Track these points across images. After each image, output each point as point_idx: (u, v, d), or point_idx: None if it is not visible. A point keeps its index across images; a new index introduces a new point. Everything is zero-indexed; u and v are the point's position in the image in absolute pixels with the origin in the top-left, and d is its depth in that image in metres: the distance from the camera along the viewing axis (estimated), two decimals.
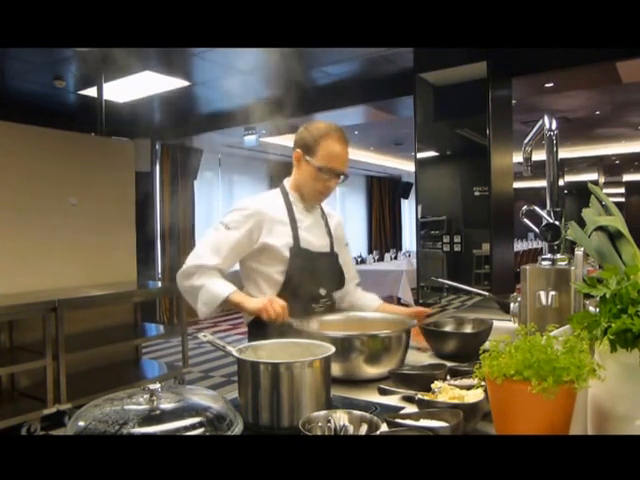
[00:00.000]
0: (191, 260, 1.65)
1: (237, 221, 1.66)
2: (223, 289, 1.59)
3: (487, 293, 2.22)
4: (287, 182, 1.83)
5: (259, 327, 1.59)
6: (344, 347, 1.28)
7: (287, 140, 8.17)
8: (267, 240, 1.67)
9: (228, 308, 1.65)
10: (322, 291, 1.72)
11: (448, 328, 1.62)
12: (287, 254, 1.67)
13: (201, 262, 1.64)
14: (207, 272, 1.63)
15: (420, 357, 1.55)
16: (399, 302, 6.94)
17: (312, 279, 1.68)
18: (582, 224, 1.00)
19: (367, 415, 0.92)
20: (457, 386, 1.09)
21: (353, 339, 1.32)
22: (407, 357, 1.44)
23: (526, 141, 1.41)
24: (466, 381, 1.13)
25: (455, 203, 4.60)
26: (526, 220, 1.37)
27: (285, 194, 1.79)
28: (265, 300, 1.52)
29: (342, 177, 1.75)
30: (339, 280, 1.83)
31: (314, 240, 1.75)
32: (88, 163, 4.25)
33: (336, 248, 1.84)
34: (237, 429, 0.89)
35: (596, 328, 0.77)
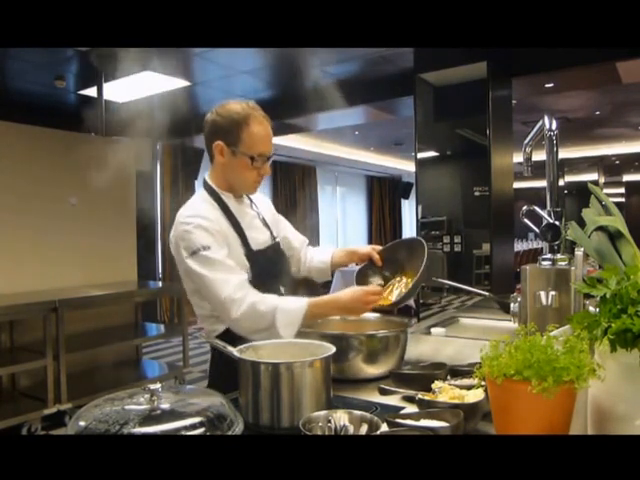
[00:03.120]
0: (224, 294, 1.39)
1: (206, 238, 1.44)
2: (298, 303, 1.39)
3: (487, 293, 2.22)
4: (210, 180, 1.60)
5: (230, 339, 1.36)
6: (342, 347, 1.28)
7: (287, 140, 8.18)
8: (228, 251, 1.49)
9: (313, 318, 1.43)
10: (282, 288, 1.59)
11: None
12: (247, 262, 1.51)
13: (234, 282, 1.41)
14: (250, 288, 1.43)
15: (420, 357, 1.55)
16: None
17: (272, 278, 1.56)
18: (582, 224, 1.00)
19: (367, 415, 0.92)
20: (457, 386, 1.09)
21: (351, 339, 1.32)
22: (407, 357, 1.45)
23: (526, 141, 1.41)
24: (466, 381, 1.14)
25: (455, 203, 4.59)
26: (526, 220, 1.37)
27: (215, 196, 1.56)
28: (361, 292, 1.41)
29: (271, 159, 1.58)
30: (290, 269, 1.72)
31: (258, 236, 1.59)
32: (88, 163, 4.25)
33: (275, 233, 1.67)
34: (237, 429, 0.89)
35: (596, 328, 0.77)
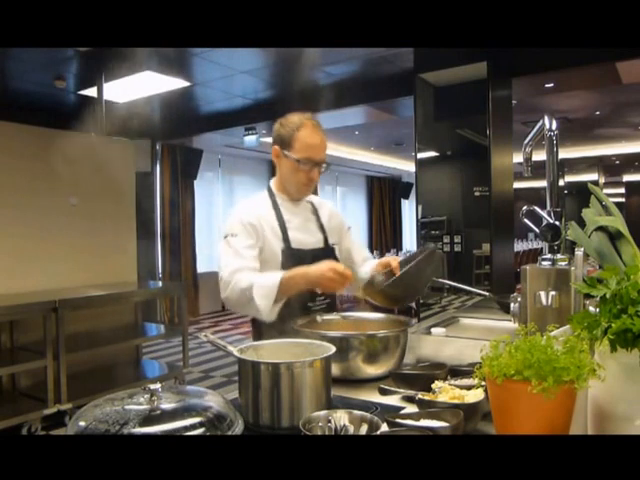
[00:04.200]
0: (223, 277, 1.62)
1: (238, 227, 1.67)
2: (273, 276, 1.56)
3: (487, 293, 2.22)
4: (272, 183, 1.83)
5: (260, 323, 1.62)
6: (342, 347, 1.28)
7: None
8: (261, 244, 1.68)
9: (289, 292, 1.57)
10: (318, 289, 1.68)
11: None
12: (280, 257, 1.67)
13: (234, 267, 1.61)
14: (245, 271, 1.60)
15: (420, 357, 1.55)
16: None
17: None
18: (582, 224, 1.00)
19: (367, 415, 0.92)
20: (457, 386, 1.09)
21: (351, 339, 1.33)
22: (407, 357, 1.45)
23: (526, 141, 1.41)
24: (466, 381, 1.14)
25: (455, 203, 4.60)
26: (526, 220, 1.37)
27: (272, 196, 1.79)
28: (324, 267, 1.50)
29: (323, 166, 1.74)
30: None
31: (305, 238, 1.74)
32: (88, 163, 4.25)
33: (332, 240, 1.82)
34: (237, 429, 0.89)
35: (596, 328, 0.77)
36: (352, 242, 1.94)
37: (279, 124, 1.74)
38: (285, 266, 1.65)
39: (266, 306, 1.53)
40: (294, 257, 1.67)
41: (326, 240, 1.81)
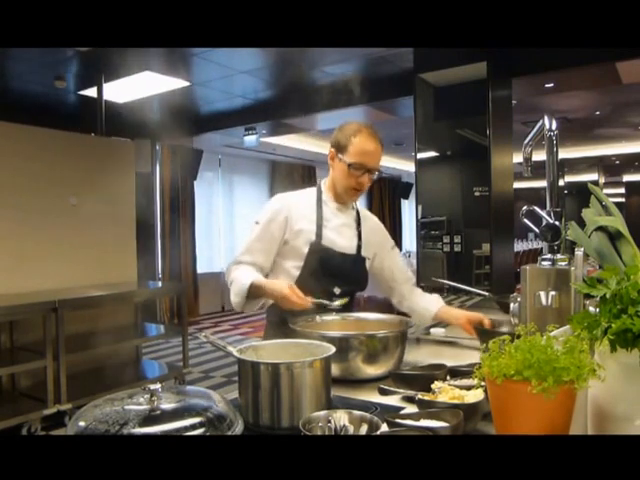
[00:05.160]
0: (229, 264, 1.77)
1: (264, 216, 1.75)
2: (248, 277, 1.65)
3: (487, 293, 2.22)
4: (323, 182, 1.88)
5: (276, 313, 1.70)
6: (342, 347, 1.28)
7: (287, 140, 8.18)
8: (290, 235, 1.74)
9: (258, 296, 1.68)
10: (337, 290, 1.71)
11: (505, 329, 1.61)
12: (305, 250, 1.72)
13: (238, 258, 1.75)
14: (240, 267, 1.71)
15: (419, 358, 1.55)
16: None
17: (328, 277, 1.69)
18: (582, 224, 1.00)
19: (367, 415, 0.92)
20: (457, 386, 1.09)
21: (351, 339, 1.33)
22: (406, 357, 1.45)
23: (526, 141, 1.41)
24: (466, 381, 1.14)
25: (455, 203, 4.59)
26: (526, 220, 1.37)
27: (319, 192, 1.84)
28: (284, 285, 1.55)
29: (375, 173, 1.78)
30: (360, 282, 1.83)
31: (340, 240, 1.77)
32: (88, 163, 4.25)
33: (366, 253, 1.84)
34: (237, 429, 0.89)
35: (596, 328, 0.77)
36: (393, 262, 1.95)
37: (338, 128, 1.80)
38: (309, 259, 1.71)
39: (237, 303, 1.67)
40: (319, 253, 1.72)
41: (359, 249, 1.82)
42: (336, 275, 1.72)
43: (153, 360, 5.13)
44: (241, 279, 1.66)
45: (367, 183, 1.78)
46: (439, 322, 1.90)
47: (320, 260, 1.71)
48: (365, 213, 1.95)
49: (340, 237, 1.78)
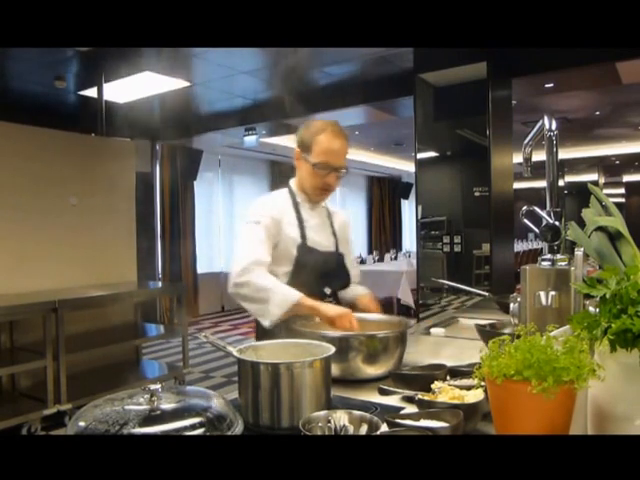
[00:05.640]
0: (241, 261, 1.61)
1: (261, 214, 1.70)
2: (294, 291, 1.56)
3: (487, 293, 2.22)
4: (292, 182, 1.85)
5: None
6: (342, 347, 1.28)
7: (287, 140, 8.18)
8: (278, 239, 1.70)
9: (296, 312, 1.56)
10: (327, 290, 1.71)
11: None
12: (295, 252, 1.69)
13: (254, 257, 1.62)
14: (263, 267, 1.62)
15: (419, 358, 1.55)
16: (399, 303, 6.94)
17: (318, 277, 1.68)
18: (582, 224, 1.00)
19: (367, 415, 0.92)
20: (457, 386, 1.09)
21: (351, 339, 1.33)
22: (406, 357, 1.45)
23: (526, 141, 1.41)
24: (466, 381, 1.13)
25: (455, 203, 4.59)
26: (526, 220, 1.37)
27: (292, 194, 1.81)
28: (341, 311, 1.50)
29: (342, 172, 1.75)
30: (344, 279, 1.83)
31: (320, 239, 1.76)
32: (88, 163, 4.26)
33: (341, 248, 1.84)
34: (237, 429, 0.89)
35: (596, 328, 0.77)
36: (350, 257, 1.94)
37: (303, 127, 1.76)
38: (299, 262, 1.68)
39: (277, 315, 1.54)
40: (308, 254, 1.70)
41: (337, 245, 1.83)
42: (325, 275, 1.71)
43: (153, 360, 5.13)
44: (283, 290, 1.56)
45: (334, 182, 1.75)
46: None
47: (309, 262, 1.68)
48: (333, 209, 1.93)
49: (320, 236, 1.78)
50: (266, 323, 1.56)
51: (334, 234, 1.84)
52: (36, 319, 3.47)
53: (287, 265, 1.69)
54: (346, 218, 1.97)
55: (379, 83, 5.23)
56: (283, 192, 1.83)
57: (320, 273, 1.69)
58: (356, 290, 1.91)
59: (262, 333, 1.69)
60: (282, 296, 1.54)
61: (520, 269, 1.25)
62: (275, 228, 1.69)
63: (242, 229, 1.71)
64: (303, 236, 1.72)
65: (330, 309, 1.52)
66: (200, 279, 8.14)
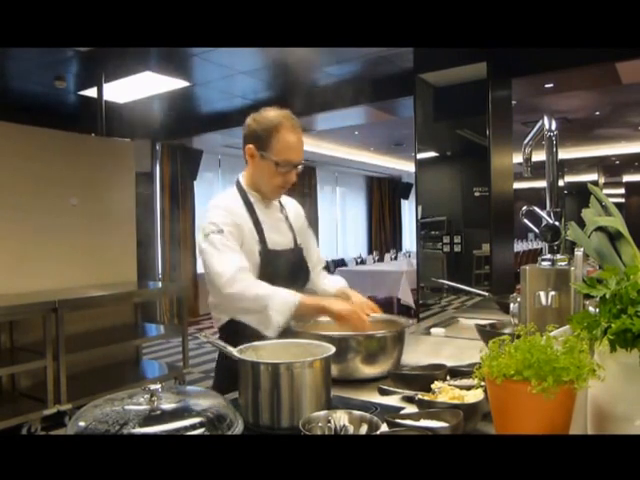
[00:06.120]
0: (223, 273, 1.48)
1: (222, 222, 1.56)
2: (292, 293, 1.47)
3: (487, 293, 2.22)
4: (242, 179, 1.71)
5: (231, 332, 1.53)
6: (341, 347, 1.28)
7: None
8: (240, 245, 1.58)
9: (300, 315, 1.47)
10: (293, 289, 1.58)
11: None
12: (257, 258, 1.59)
13: (238, 264, 1.49)
14: (251, 275, 1.51)
15: (419, 358, 1.55)
16: (399, 303, 6.94)
17: (283, 279, 1.58)
18: (582, 224, 1.00)
19: (367, 415, 0.92)
20: (457, 386, 1.09)
21: (350, 339, 1.33)
22: (406, 357, 1.45)
23: (526, 142, 1.41)
24: (466, 381, 1.13)
25: (455, 204, 4.60)
26: (526, 220, 1.37)
27: (243, 194, 1.68)
28: (351, 308, 1.44)
29: (300, 167, 1.65)
30: (305, 276, 1.76)
31: (279, 239, 1.67)
32: (88, 164, 4.26)
33: (299, 240, 1.75)
34: (237, 429, 0.89)
35: (596, 328, 0.77)
36: (310, 241, 1.85)
37: (253, 120, 1.61)
38: (263, 267, 1.58)
39: (279, 322, 1.43)
40: (271, 258, 1.61)
41: (295, 240, 1.74)
42: (289, 275, 1.63)
43: (153, 360, 5.13)
44: (281, 294, 1.46)
45: (295, 178, 1.64)
46: None
47: (272, 265, 1.59)
48: (284, 200, 1.80)
49: (278, 235, 1.67)
50: (270, 333, 1.44)
51: (291, 228, 1.74)
52: (36, 319, 3.47)
53: (253, 270, 1.56)
54: (297, 206, 1.85)
55: (379, 83, 5.22)
56: (232, 193, 1.69)
57: (285, 274, 1.61)
58: (334, 281, 1.83)
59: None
60: (281, 300, 1.45)
61: (520, 269, 1.25)
62: (238, 234, 1.57)
63: (206, 242, 1.54)
64: (262, 240, 1.61)
65: (338, 305, 1.45)
66: (200, 279, 8.14)
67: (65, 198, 4.09)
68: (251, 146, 1.62)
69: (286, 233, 1.72)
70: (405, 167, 11.43)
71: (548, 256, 1.25)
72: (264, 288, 1.48)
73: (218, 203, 1.63)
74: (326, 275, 1.89)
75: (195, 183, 8.11)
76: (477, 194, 4.38)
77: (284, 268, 1.62)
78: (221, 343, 1.17)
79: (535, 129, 1.35)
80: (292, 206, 1.83)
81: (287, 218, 1.76)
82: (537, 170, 1.42)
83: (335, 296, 1.72)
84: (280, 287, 1.50)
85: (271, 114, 1.60)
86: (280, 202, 1.78)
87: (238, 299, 1.49)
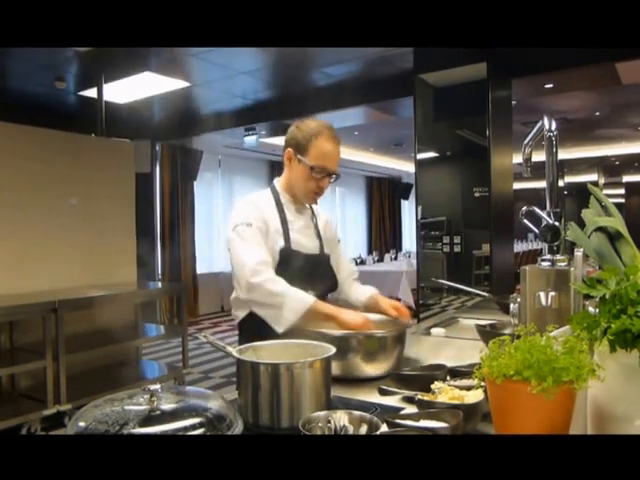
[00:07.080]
0: (248, 263, 1.56)
1: (252, 216, 1.65)
2: (308, 295, 1.53)
3: (487, 294, 2.22)
4: (277, 182, 1.81)
5: (250, 327, 1.61)
6: (341, 347, 1.28)
7: None
8: (266, 241, 1.66)
9: (310, 319, 1.50)
10: (310, 293, 1.63)
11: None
12: (277, 256, 1.66)
13: (260, 257, 1.58)
14: (272, 271, 1.58)
15: (419, 358, 1.55)
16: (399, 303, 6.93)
17: (301, 281, 1.62)
18: (582, 225, 1.00)
19: (367, 415, 0.92)
20: (457, 386, 1.09)
21: (350, 339, 1.33)
22: (406, 357, 1.45)
23: (526, 142, 1.41)
24: (466, 381, 1.14)
25: (455, 204, 4.60)
26: (526, 221, 1.37)
27: (276, 195, 1.77)
28: (362, 320, 1.46)
29: (334, 176, 1.74)
30: (330, 282, 1.81)
31: (305, 242, 1.74)
32: (88, 164, 4.25)
33: (326, 249, 1.82)
34: (237, 429, 0.89)
35: (596, 328, 0.77)
36: (340, 256, 1.93)
37: (296, 127, 1.72)
38: (282, 266, 1.64)
39: (291, 321, 1.49)
40: (291, 258, 1.67)
41: (322, 247, 1.81)
42: (308, 278, 1.66)
43: (153, 360, 5.12)
44: (297, 295, 1.52)
45: (326, 187, 1.73)
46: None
47: (292, 264, 1.65)
48: (316, 209, 1.89)
49: (305, 239, 1.75)
50: (279, 329, 1.50)
51: (319, 235, 1.82)
52: (36, 319, 3.47)
53: (272, 267, 1.64)
54: (328, 217, 1.95)
55: (379, 83, 5.23)
56: (266, 193, 1.79)
57: (304, 276, 1.64)
58: (364, 290, 1.88)
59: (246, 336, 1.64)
60: (296, 301, 1.50)
61: (520, 269, 1.25)
62: (265, 230, 1.66)
63: (234, 233, 1.64)
64: (287, 239, 1.69)
65: (350, 317, 1.47)
66: (200, 279, 8.15)
67: (65, 198, 4.08)
68: (290, 150, 1.72)
69: (313, 238, 1.79)
70: (405, 167, 11.43)
71: (548, 256, 1.25)
72: (282, 285, 1.53)
73: (250, 200, 1.74)
74: (359, 286, 1.93)
75: (195, 183, 8.11)
76: (477, 194, 4.38)
77: (304, 270, 1.66)
78: (221, 343, 1.17)
79: (535, 129, 1.35)
80: (324, 217, 1.91)
81: (316, 225, 1.83)
82: (537, 170, 1.43)
83: (365, 304, 1.79)
84: (297, 288, 1.55)
85: (313, 123, 1.71)
86: (312, 210, 1.86)
87: (257, 291, 1.55)
